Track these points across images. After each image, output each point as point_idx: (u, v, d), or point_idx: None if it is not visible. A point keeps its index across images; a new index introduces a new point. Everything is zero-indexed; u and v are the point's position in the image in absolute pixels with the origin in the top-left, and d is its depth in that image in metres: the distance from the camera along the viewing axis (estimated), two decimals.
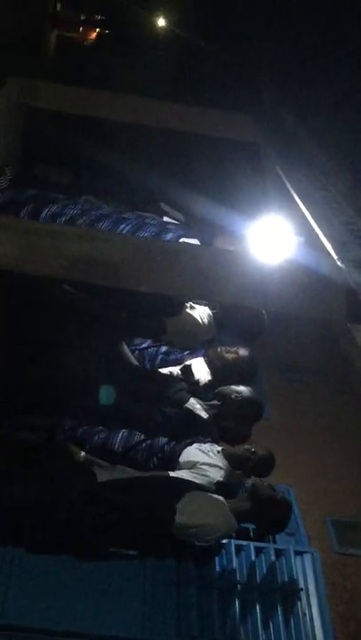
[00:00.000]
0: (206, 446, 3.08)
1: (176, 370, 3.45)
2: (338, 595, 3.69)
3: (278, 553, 3.09)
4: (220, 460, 3.03)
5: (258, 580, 2.95)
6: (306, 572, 3.07)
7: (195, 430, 3.15)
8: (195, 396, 3.30)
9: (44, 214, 3.10)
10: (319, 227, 2.38)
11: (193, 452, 3.02)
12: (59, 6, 8.60)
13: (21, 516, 2.67)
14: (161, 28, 8.80)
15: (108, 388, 3.04)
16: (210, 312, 3.60)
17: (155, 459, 2.99)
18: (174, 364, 3.51)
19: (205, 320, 3.56)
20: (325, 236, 2.28)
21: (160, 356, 3.56)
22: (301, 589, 2.96)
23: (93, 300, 3.23)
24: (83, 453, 2.86)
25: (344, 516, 4.30)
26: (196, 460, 2.97)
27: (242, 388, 3.33)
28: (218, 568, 2.94)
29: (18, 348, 3.09)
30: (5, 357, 3.00)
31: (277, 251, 2.57)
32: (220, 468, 3.00)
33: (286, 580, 2.97)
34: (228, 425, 3.28)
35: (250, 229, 2.88)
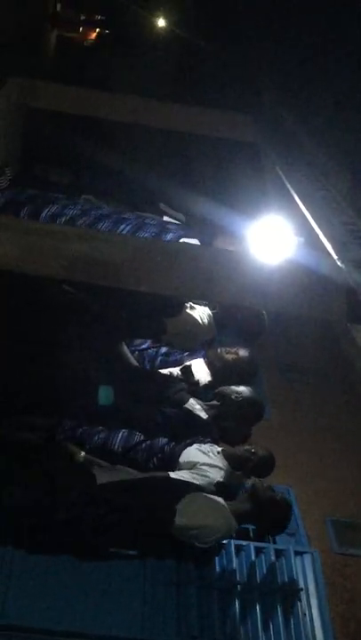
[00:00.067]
0: (206, 447, 3.08)
1: (176, 370, 3.45)
2: (338, 595, 3.68)
3: (278, 553, 3.08)
4: (220, 461, 3.03)
5: (258, 581, 2.94)
6: (306, 573, 3.07)
7: (194, 431, 3.15)
8: (195, 396, 3.30)
9: (43, 214, 3.10)
10: (319, 227, 2.38)
11: (193, 453, 3.01)
12: (59, 6, 8.60)
13: (21, 516, 2.67)
14: (161, 28, 8.80)
15: (107, 389, 3.04)
16: (210, 312, 3.60)
17: (155, 459, 2.99)
18: (174, 364, 3.51)
19: (205, 320, 3.56)
20: (325, 236, 2.28)
21: (160, 358, 3.56)
22: (301, 589, 2.96)
23: (93, 300, 3.23)
24: (83, 453, 2.86)
25: (344, 516, 4.29)
26: (196, 460, 2.97)
27: (242, 389, 3.33)
28: (218, 568, 2.94)
29: (18, 348, 3.09)
30: (5, 357, 3.00)
31: (277, 251, 2.56)
32: (220, 468, 3.00)
33: (286, 580, 2.97)
34: (228, 425, 3.28)
35: (250, 229, 2.88)
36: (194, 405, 3.23)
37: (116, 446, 2.98)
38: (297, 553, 3.13)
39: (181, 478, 2.85)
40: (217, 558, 2.97)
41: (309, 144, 3.52)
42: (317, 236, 2.33)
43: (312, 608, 2.93)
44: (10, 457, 2.79)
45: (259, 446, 3.18)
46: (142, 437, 3.03)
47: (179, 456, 2.99)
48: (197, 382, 3.43)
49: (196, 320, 3.52)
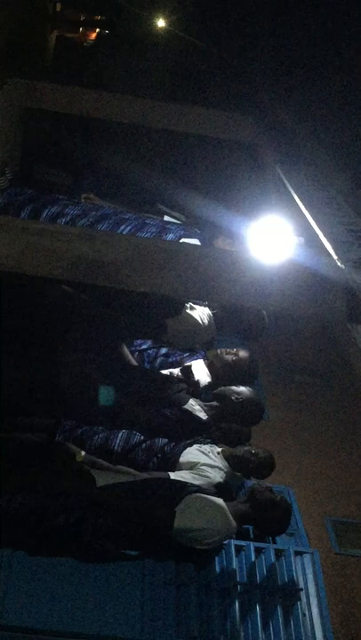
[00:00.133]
0: (207, 447, 3.08)
1: (176, 371, 3.45)
2: (338, 595, 3.68)
3: (278, 553, 3.08)
4: (220, 462, 3.03)
5: (258, 581, 2.94)
6: (306, 573, 3.07)
7: (194, 432, 3.15)
8: (195, 396, 3.30)
9: (44, 215, 3.10)
10: (319, 227, 2.38)
11: (193, 453, 3.01)
12: (59, 6, 8.58)
13: (21, 520, 2.65)
14: (161, 28, 8.79)
15: (108, 389, 3.04)
16: (210, 312, 3.60)
17: (155, 459, 2.99)
18: (174, 365, 3.50)
19: (205, 320, 3.56)
20: (325, 236, 2.28)
21: (160, 358, 3.55)
22: (301, 590, 2.96)
23: (93, 300, 3.23)
24: (83, 453, 2.86)
25: (344, 516, 4.29)
26: (196, 460, 2.97)
27: (242, 389, 3.33)
28: (218, 568, 2.94)
29: (18, 349, 3.09)
30: (6, 357, 3.00)
31: (277, 251, 2.57)
32: (221, 469, 3.00)
33: (286, 580, 2.97)
34: (228, 426, 3.28)
35: (250, 229, 2.88)
36: (193, 406, 3.23)
37: (116, 446, 2.98)
38: (297, 553, 3.13)
39: (182, 479, 2.85)
40: (217, 558, 2.96)
41: (309, 144, 3.52)
42: (317, 235, 2.33)
43: (312, 608, 2.93)
44: (10, 460, 2.78)
45: (259, 447, 3.18)
46: (142, 438, 3.03)
47: (179, 456, 2.99)
48: (197, 383, 3.43)
49: (196, 320, 3.52)
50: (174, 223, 3.52)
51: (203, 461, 2.98)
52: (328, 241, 2.23)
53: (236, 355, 3.52)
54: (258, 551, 3.08)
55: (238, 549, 3.05)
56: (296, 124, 3.84)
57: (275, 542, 3.22)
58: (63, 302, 3.22)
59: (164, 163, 5.77)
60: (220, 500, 2.77)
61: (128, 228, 3.13)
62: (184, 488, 2.75)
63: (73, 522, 2.64)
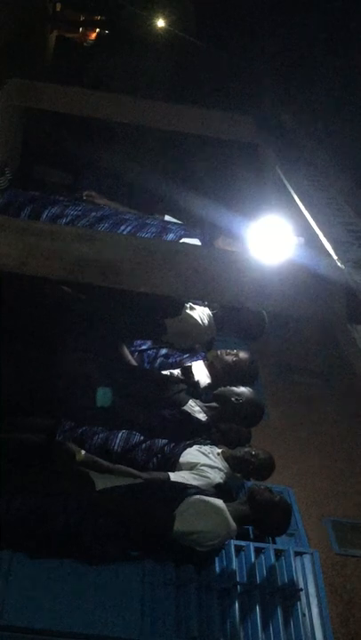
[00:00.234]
0: (207, 448, 3.08)
1: (176, 372, 3.45)
2: (338, 595, 3.68)
3: (278, 553, 3.08)
4: (220, 462, 3.03)
5: (258, 581, 2.94)
6: (305, 573, 3.07)
7: (193, 433, 3.15)
8: (195, 397, 3.29)
9: (44, 215, 3.10)
10: (319, 227, 2.38)
11: (193, 454, 3.01)
12: (59, 6, 8.58)
13: (20, 523, 2.65)
14: (161, 28, 8.79)
15: (106, 390, 3.04)
16: (210, 312, 3.60)
17: (155, 459, 2.99)
18: (174, 366, 3.50)
19: (205, 320, 3.56)
20: (325, 236, 2.28)
21: (159, 359, 3.55)
22: (301, 590, 2.96)
23: (93, 300, 3.23)
24: (83, 452, 2.85)
25: (344, 516, 4.29)
26: (196, 461, 2.97)
27: (242, 390, 3.34)
28: (218, 568, 2.93)
29: (18, 349, 3.09)
30: (5, 358, 3.00)
31: (277, 251, 2.56)
32: (220, 469, 3.00)
33: (286, 580, 2.96)
34: (228, 427, 3.28)
35: (250, 229, 2.88)
36: (193, 407, 3.23)
37: (116, 446, 2.98)
38: (297, 553, 3.13)
39: (182, 479, 2.84)
40: (217, 559, 2.96)
41: (309, 144, 3.52)
42: (317, 235, 2.33)
43: (312, 608, 2.93)
44: (10, 459, 2.77)
45: (259, 448, 3.18)
46: (142, 438, 3.03)
47: (179, 457, 2.99)
48: (197, 383, 3.43)
49: (196, 320, 3.52)
50: (175, 223, 3.52)
51: (203, 462, 2.98)
52: (328, 241, 2.23)
53: (236, 355, 3.52)
54: (258, 551, 3.08)
55: (238, 550, 3.05)
56: (296, 125, 3.84)
57: (275, 542, 3.22)
58: (63, 302, 3.22)
59: (163, 163, 5.77)
60: (219, 502, 2.77)
61: (128, 228, 3.13)
62: (184, 490, 2.74)
63: (73, 524, 2.63)
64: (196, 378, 3.43)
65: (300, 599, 2.92)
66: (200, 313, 3.55)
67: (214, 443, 3.17)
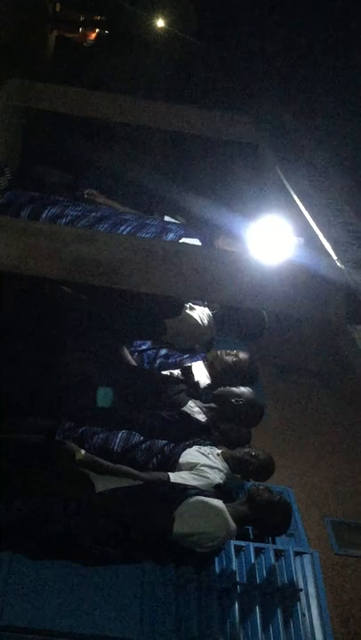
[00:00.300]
0: (206, 448, 3.08)
1: (176, 372, 3.44)
2: (337, 595, 3.68)
3: (278, 554, 3.08)
4: (219, 463, 3.03)
5: (258, 581, 2.94)
6: (305, 573, 3.07)
7: (192, 433, 3.15)
8: (194, 397, 3.29)
9: (44, 216, 3.09)
10: (319, 227, 2.38)
11: (193, 454, 3.01)
12: (59, 6, 8.59)
13: (20, 525, 2.65)
14: (161, 28, 8.80)
15: (106, 390, 3.03)
16: (210, 312, 3.59)
17: (154, 459, 2.98)
18: (173, 366, 3.50)
19: (205, 321, 3.55)
20: (325, 236, 2.28)
21: (159, 359, 3.55)
22: (301, 590, 2.96)
23: (93, 301, 3.23)
24: (83, 452, 2.85)
25: (344, 516, 4.29)
26: (196, 461, 2.97)
27: (242, 391, 3.33)
28: (217, 569, 2.93)
29: (18, 349, 3.09)
30: (5, 358, 3.00)
31: (277, 251, 2.56)
32: (220, 470, 2.99)
33: (286, 580, 2.97)
34: (227, 427, 3.28)
35: (250, 229, 2.88)
36: (192, 408, 3.23)
37: (116, 447, 2.97)
38: (297, 554, 3.13)
39: (182, 479, 2.84)
40: (217, 559, 2.96)
41: (309, 144, 3.52)
42: (317, 235, 2.33)
43: (312, 609, 2.93)
44: (10, 459, 2.77)
45: (259, 449, 3.18)
46: (142, 438, 3.03)
47: (179, 457, 2.99)
48: (197, 383, 3.42)
49: (195, 320, 3.52)
50: (175, 223, 3.52)
51: (202, 462, 2.97)
52: (328, 241, 2.23)
53: (235, 356, 3.52)
54: (257, 552, 3.08)
55: (238, 550, 3.05)
56: (296, 125, 3.84)
57: (274, 543, 3.22)
58: (63, 302, 3.22)
59: (163, 163, 5.77)
60: (219, 503, 2.76)
61: (128, 228, 3.12)
62: (183, 491, 2.73)
63: (73, 526, 2.63)
64: (196, 378, 3.43)
65: (299, 599, 2.92)
66: (200, 313, 3.55)
67: (214, 443, 3.17)
